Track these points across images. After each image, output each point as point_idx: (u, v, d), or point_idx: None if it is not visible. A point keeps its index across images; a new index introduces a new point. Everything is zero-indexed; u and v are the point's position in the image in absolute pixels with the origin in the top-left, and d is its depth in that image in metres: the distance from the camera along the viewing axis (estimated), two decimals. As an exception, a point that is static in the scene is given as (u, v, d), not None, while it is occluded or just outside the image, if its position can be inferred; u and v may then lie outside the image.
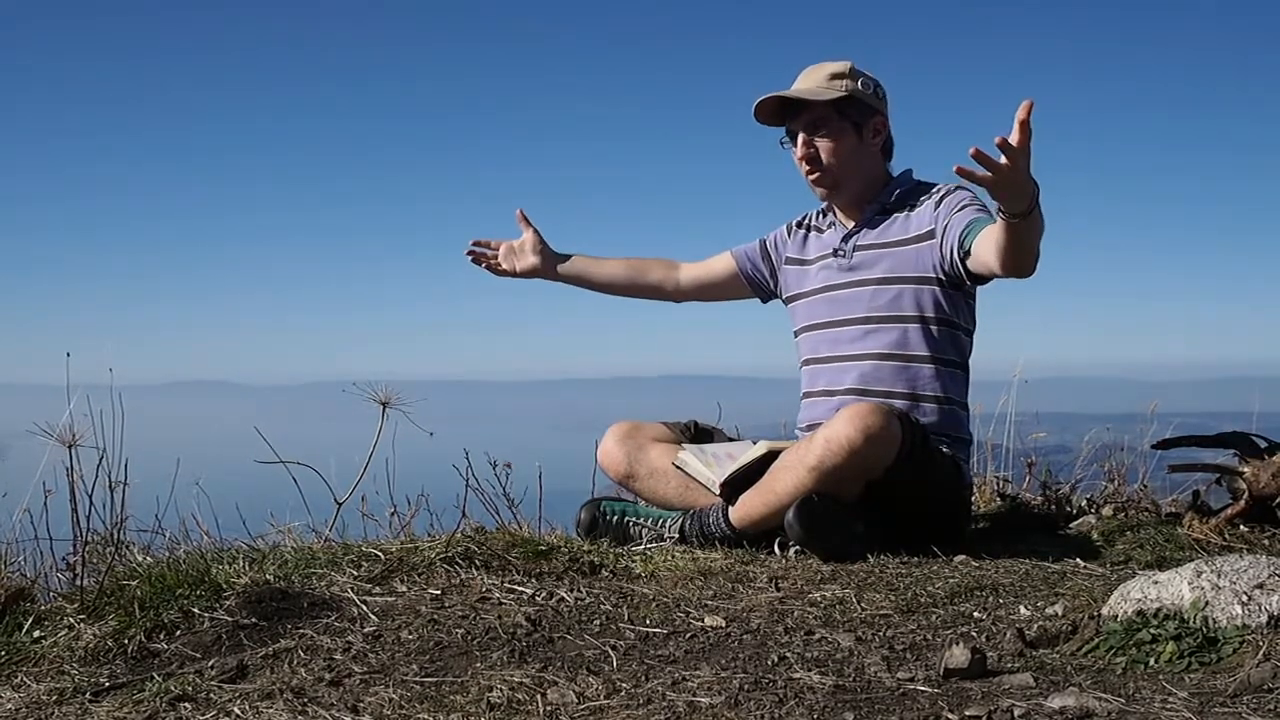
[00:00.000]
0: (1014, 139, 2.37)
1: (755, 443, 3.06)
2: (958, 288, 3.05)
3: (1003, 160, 2.37)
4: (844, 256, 3.17)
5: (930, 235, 3.03)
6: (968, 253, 2.88)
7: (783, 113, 3.18)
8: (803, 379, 3.26)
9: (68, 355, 2.67)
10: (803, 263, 3.30)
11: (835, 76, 3.12)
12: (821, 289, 3.23)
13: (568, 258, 3.56)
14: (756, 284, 3.44)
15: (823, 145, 3.13)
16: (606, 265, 3.57)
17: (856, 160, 3.14)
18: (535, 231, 3.54)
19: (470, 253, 3.61)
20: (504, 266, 3.57)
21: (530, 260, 3.54)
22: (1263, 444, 3.13)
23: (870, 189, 3.17)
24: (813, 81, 3.14)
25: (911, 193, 3.16)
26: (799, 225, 3.38)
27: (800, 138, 3.15)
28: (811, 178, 3.17)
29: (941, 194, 3.07)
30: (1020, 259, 2.69)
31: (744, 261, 3.45)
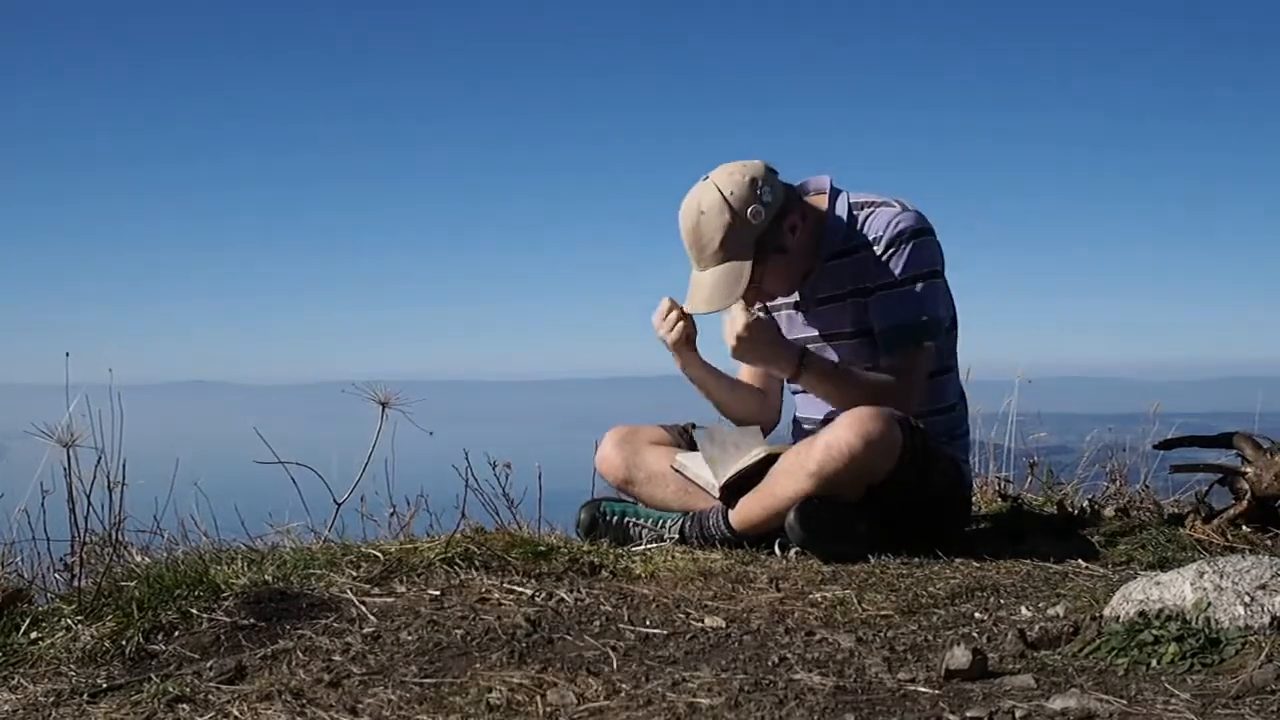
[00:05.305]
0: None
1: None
2: None
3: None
4: (804, 310, 3.08)
5: (880, 288, 2.91)
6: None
7: None
8: (795, 404, 3.22)
9: (67, 355, 2.66)
10: (771, 309, 3.17)
11: (729, 235, 2.85)
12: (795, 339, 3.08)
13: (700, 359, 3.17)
14: None
15: (766, 288, 3.01)
16: (725, 381, 3.23)
17: (795, 266, 2.98)
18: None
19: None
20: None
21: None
22: (1265, 444, 3.12)
23: (811, 257, 2.99)
24: (710, 263, 2.87)
25: (853, 228, 2.96)
26: None
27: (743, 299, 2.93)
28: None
29: (885, 243, 2.89)
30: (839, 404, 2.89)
31: None
